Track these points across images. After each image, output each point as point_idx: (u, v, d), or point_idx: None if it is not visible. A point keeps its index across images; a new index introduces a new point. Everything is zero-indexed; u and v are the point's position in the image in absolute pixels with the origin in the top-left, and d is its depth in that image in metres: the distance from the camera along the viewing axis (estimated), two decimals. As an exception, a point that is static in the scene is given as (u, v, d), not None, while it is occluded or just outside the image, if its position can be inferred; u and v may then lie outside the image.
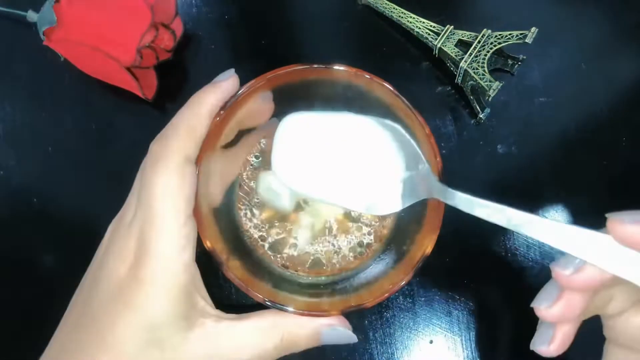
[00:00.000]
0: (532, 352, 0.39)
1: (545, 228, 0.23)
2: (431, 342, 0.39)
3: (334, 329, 0.29)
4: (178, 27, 0.42)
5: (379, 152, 0.31)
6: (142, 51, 0.39)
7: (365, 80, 0.30)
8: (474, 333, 0.39)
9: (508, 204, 0.24)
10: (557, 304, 0.24)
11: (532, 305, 0.25)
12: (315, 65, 0.30)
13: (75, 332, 0.27)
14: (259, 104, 0.32)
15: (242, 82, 0.30)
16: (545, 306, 0.24)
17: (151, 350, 0.26)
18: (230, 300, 0.39)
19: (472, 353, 0.39)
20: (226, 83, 0.29)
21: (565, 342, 0.25)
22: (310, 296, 0.31)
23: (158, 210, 0.26)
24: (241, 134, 0.33)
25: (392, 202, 0.30)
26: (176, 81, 0.43)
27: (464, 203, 0.26)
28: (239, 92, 0.30)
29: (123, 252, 0.27)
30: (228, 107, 0.29)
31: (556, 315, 0.24)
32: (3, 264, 0.41)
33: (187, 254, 0.27)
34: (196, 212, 0.28)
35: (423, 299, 0.39)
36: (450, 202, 0.27)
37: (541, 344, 0.25)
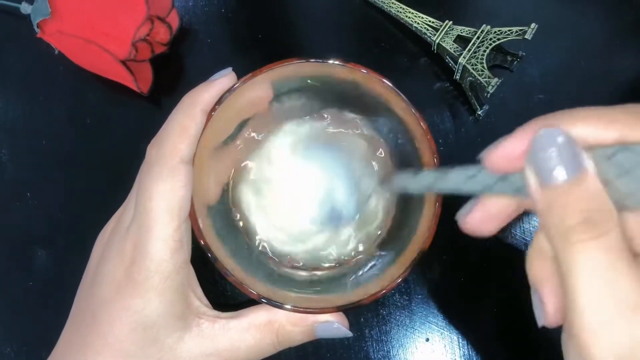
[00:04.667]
0: (530, 350, 0.39)
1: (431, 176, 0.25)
2: (427, 339, 0.39)
3: (329, 325, 0.29)
4: (174, 20, 0.41)
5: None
6: (137, 44, 0.38)
7: (362, 75, 0.30)
8: (470, 331, 0.39)
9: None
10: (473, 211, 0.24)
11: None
12: (312, 60, 0.30)
13: (79, 329, 0.29)
14: (256, 92, 0.32)
15: (238, 77, 0.30)
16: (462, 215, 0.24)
17: (150, 349, 0.27)
18: (225, 296, 0.39)
19: (468, 351, 0.38)
20: (222, 80, 0.29)
21: (489, 215, 0.23)
22: (306, 293, 0.31)
23: (152, 214, 0.27)
24: (239, 128, 0.33)
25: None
26: (172, 75, 0.43)
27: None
28: (235, 85, 0.29)
29: (120, 255, 0.28)
30: (224, 102, 0.29)
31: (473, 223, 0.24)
32: (-4, 258, 0.41)
33: (181, 256, 0.28)
34: (190, 209, 0.28)
35: (419, 296, 0.39)
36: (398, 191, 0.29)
37: (460, 213, 0.24)
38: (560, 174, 0.19)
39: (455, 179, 0.23)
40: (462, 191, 0.23)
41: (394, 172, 0.29)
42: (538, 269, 0.23)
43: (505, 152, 0.21)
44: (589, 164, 0.19)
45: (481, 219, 0.23)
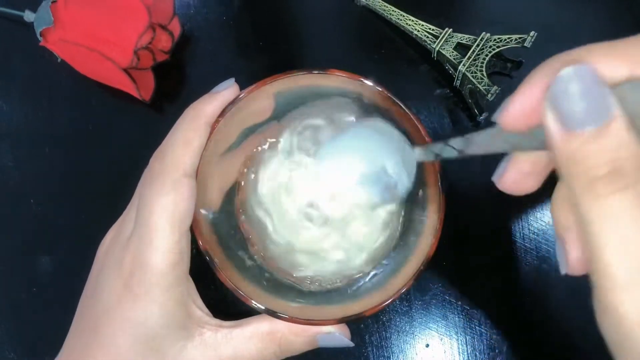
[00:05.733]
0: (530, 356, 0.39)
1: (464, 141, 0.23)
2: (427, 345, 0.39)
3: (331, 335, 0.29)
4: (176, 28, 0.41)
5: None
6: (139, 52, 0.39)
7: (362, 86, 0.30)
8: (470, 337, 0.39)
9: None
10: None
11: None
12: (315, 72, 0.30)
13: (82, 337, 0.29)
14: (258, 104, 0.32)
15: (240, 84, 0.30)
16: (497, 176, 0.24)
17: (153, 359, 0.27)
18: (226, 303, 0.39)
19: (468, 357, 0.39)
20: (225, 92, 0.29)
21: (522, 173, 0.23)
22: (308, 304, 0.31)
23: (153, 227, 0.27)
24: (241, 137, 0.33)
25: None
26: (174, 82, 0.43)
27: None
28: (238, 97, 0.29)
29: (119, 266, 0.28)
30: (227, 114, 0.29)
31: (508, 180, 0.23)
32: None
33: (181, 269, 0.28)
34: (193, 217, 0.28)
35: (419, 302, 0.39)
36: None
37: (496, 175, 0.24)
38: (586, 119, 0.17)
39: (482, 141, 0.23)
40: (491, 152, 0.22)
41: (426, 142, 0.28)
42: (562, 216, 0.21)
43: (520, 108, 0.19)
44: (617, 107, 0.17)
45: (515, 177, 0.23)
